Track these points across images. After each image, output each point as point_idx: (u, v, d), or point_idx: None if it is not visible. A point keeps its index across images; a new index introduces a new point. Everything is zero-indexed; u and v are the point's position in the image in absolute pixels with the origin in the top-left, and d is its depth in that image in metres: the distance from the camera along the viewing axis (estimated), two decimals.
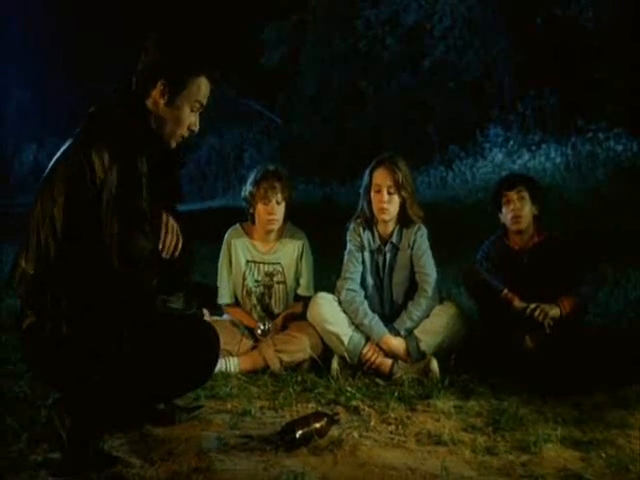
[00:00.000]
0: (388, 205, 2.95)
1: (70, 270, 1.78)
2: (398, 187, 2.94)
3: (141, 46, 2.01)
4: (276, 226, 3.10)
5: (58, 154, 1.91)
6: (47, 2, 25.45)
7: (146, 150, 1.87)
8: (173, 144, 2.04)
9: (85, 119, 1.93)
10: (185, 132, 2.03)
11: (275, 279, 3.15)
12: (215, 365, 2.16)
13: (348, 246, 3.08)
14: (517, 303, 2.87)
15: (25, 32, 27.12)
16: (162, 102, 1.96)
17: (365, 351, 2.86)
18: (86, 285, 1.79)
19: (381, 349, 2.86)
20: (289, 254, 3.17)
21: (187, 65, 1.99)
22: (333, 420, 2.10)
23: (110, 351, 1.80)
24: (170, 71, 1.95)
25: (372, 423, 2.20)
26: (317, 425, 2.01)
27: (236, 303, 3.18)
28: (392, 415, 2.27)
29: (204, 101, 2.04)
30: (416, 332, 2.89)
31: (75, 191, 1.78)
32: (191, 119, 2.02)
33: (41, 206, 1.82)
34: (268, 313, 3.15)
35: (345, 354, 2.87)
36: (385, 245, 3.06)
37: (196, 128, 2.04)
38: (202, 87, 2.02)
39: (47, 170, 1.89)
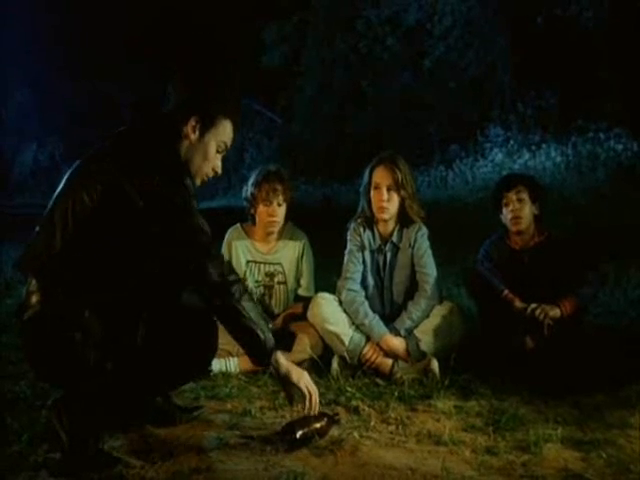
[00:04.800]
0: (387, 204, 2.95)
1: (109, 259, 1.83)
2: (397, 186, 2.94)
3: (166, 74, 2.10)
4: (277, 228, 3.11)
5: (86, 158, 1.96)
6: (48, 1, 25.43)
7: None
8: (198, 181, 2.11)
9: (114, 137, 2.01)
10: (210, 172, 2.10)
11: (276, 279, 3.15)
12: (212, 356, 2.17)
13: (348, 246, 3.08)
14: (517, 303, 2.87)
15: (26, 32, 27.09)
16: (193, 137, 2.04)
17: (365, 351, 2.86)
18: (121, 277, 1.84)
19: (381, 349, 2.86)
20: (290, 254, 3.17)
21: (219, 105, 2.07)
22: (333, 420, 2.10)
23: (125, 340, 1.85)
24: (203, 108, 2.03)
25: (372, 423, 2.20)
26: (317, 425, 2.01)
27: None
28: (392, 415, 2.27)
29: (228, 143, 2.12)
30: (416, 332, 2.89)
31: (115, 192, 1.84)
32: (216, 160, 2.10)
33: (73, 191, 1.86)
34: (268, 313, 3.15)
35: (345, 354, 2.87)
36: (385, 245, 3.06)
37: (219, 170, 2.12)
38: (227, 129, 2.10)
39: (76, 166, 1.95)
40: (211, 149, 2.07)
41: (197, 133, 2.04)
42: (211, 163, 2.08)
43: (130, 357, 1.88)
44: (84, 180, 1.88)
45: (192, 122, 2.02)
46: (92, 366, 1.82)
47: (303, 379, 2.07)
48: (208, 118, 2.04)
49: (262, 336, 1.97)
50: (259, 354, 2.02)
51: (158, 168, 1.90)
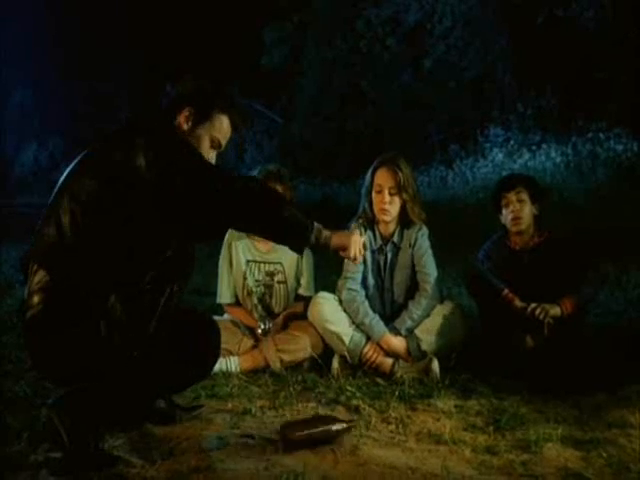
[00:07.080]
0: (389, 206, 2.95)
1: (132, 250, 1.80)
2: (399, 188, 2.94)
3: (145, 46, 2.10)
4: None
5: (94, 147, 1.93)
6: (48, 1, 25.44)
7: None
8: None
9: (111, 132, 1.99)
10: None
11: (276, 279, 3.15)
12: (216, 360, 2.17)
13: None
14: (518, 302, 2.87)
15: (26, 31, 27.09)
16: (186, 127, 2.01)
17: (366, 350, 2.86)
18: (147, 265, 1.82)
19: (382, 348, 2.87)
20: (290, 254, 3.15)
21: (214, 99, 2.04)
22: (347, 427, 2.10)
23: (140, 333, 1.82)
24: (198, 100, 2.01)
25: (373, 422, 2.20)
26: (319, 429, 2.01)
27: (237, 303, 3.18)
28: (393, 414, 2.27)
29: (223, 141, 2.09)
30: (417, 331, 2.89)
31: (129, 172, 1.79)
32: (208, 155, 2.06)
33: (75, 179, 1.83)
34: (269, 313, 3.15)
35: (346, 353, 2.87)
36: (386, 245, 3.06)
37: None
38: (223, 125, 2.06)
39: (76, 159, 1.92)
40: (204, 143, 2.03)
41: (190, 124, 2.00)
42: None
43: (140, 353, 1.86)
44: (86, 167, 1.85)
45: (185, 112, 1.99)
46: (118, 354, 1.80)
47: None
48: (202, 110, 2.00)
49: (302, 217, 1.95)
50: (302, 231, 1.97)
51: (161, 137, 1.86)
